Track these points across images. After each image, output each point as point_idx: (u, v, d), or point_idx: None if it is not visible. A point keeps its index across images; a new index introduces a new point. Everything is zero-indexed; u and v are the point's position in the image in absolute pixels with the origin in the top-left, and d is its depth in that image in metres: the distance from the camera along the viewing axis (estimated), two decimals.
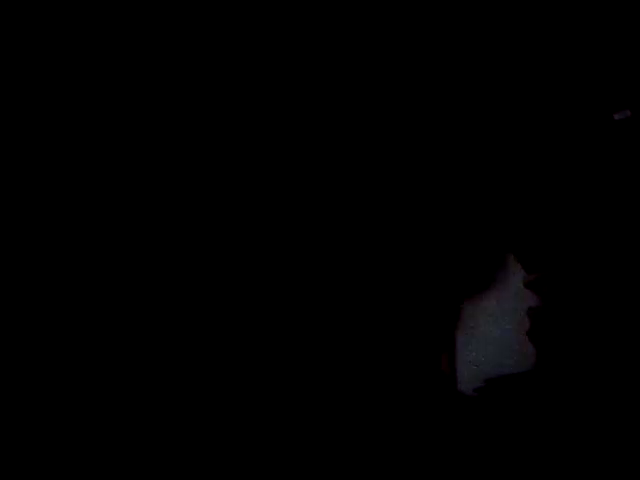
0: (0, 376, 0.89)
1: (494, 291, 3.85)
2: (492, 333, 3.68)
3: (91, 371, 0.86)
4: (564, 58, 2.93)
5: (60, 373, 0.84)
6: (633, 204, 2.94)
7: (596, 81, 2.94)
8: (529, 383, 3.32)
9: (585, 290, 3.05)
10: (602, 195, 2.98)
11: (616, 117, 3.11)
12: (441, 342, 4.09)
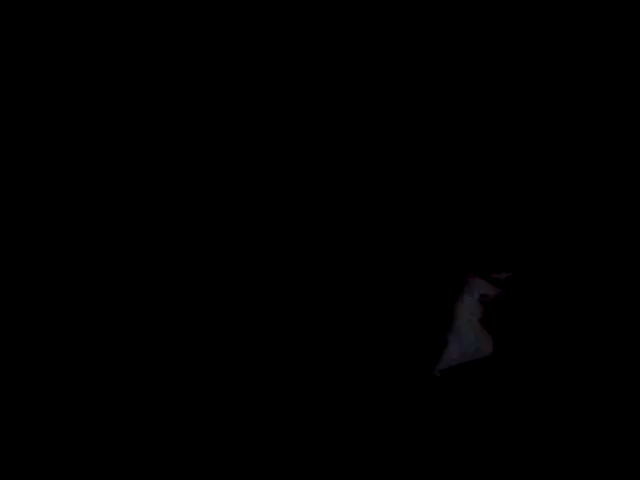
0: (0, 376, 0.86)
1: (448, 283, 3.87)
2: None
3: (91, 371, 0.82)
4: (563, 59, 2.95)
5: (59, 373, 0.81)
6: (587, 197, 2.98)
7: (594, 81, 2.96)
8: (486, 368, 3.34)
9: (536, 277, 3.08)
10: (559, 189, 3.01)
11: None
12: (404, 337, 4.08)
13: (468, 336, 3.48)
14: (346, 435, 1.48)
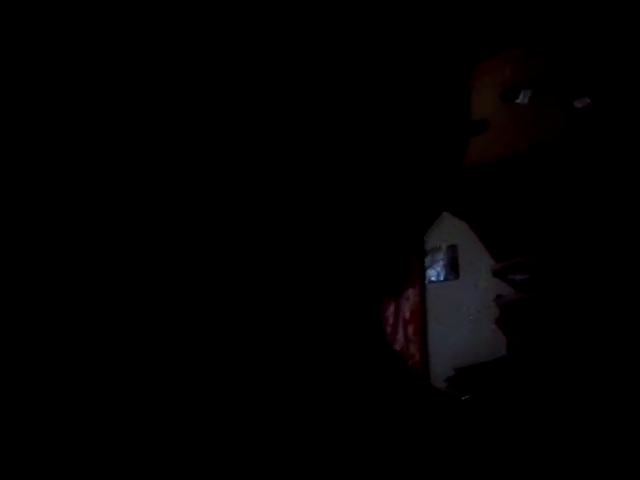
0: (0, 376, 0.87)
1: (456, 282, 3.86)
2: (460, 324, 3.70)
3: (91, 371, 0.84)
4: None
5: (59, 373, 0.83)
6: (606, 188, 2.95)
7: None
8: (500, 370, 3.33)
9: (559, 277, 3.06)
10: (575, 179, 2.98)
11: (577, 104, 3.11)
12: (410, 334, 4.07)
13: (482, 336, 3.47)
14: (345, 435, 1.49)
